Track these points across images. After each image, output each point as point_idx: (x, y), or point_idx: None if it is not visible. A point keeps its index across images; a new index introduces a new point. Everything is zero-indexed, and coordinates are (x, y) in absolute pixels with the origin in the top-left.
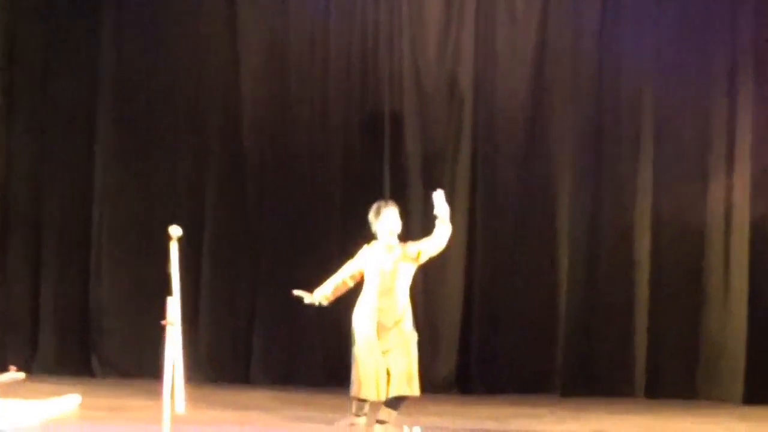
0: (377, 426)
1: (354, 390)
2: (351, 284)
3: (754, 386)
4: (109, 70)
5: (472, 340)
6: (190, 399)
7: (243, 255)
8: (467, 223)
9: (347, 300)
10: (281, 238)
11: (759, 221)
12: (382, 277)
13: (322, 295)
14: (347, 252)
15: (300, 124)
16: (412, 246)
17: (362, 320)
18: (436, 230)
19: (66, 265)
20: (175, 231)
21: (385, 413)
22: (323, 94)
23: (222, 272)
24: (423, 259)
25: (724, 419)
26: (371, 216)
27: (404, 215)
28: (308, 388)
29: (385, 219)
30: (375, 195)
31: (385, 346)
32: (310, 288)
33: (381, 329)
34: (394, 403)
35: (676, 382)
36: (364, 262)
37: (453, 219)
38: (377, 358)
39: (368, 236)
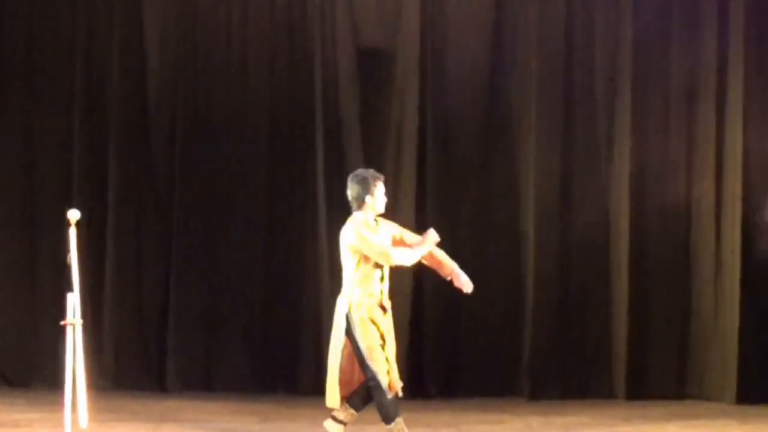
0: (330, 423)
1: (386, 388)
2: None
3: (749, 383)
4: None
5: (423, 336)
6: (95, 411)
7: (153, 240)
8: (415, 202)
9: (275, 290)
10: (197, 220)
11: (753, 190)
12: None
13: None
14: (273, 236)
15: (216, 90)
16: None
17: (366, 310)
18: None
19: None
20: (74, 215)
21: (348, 415)
22: (242, 52)
23: (129, 261)
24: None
25: (717, 422)
26: (358, 187)
27: (340, 201)
28: (234, 394)
29: (381, 191)
30: (307, 173)
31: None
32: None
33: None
34: (361, 404)
35: (661, 381)
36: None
37: (398, 200)
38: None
39: (299, 217)
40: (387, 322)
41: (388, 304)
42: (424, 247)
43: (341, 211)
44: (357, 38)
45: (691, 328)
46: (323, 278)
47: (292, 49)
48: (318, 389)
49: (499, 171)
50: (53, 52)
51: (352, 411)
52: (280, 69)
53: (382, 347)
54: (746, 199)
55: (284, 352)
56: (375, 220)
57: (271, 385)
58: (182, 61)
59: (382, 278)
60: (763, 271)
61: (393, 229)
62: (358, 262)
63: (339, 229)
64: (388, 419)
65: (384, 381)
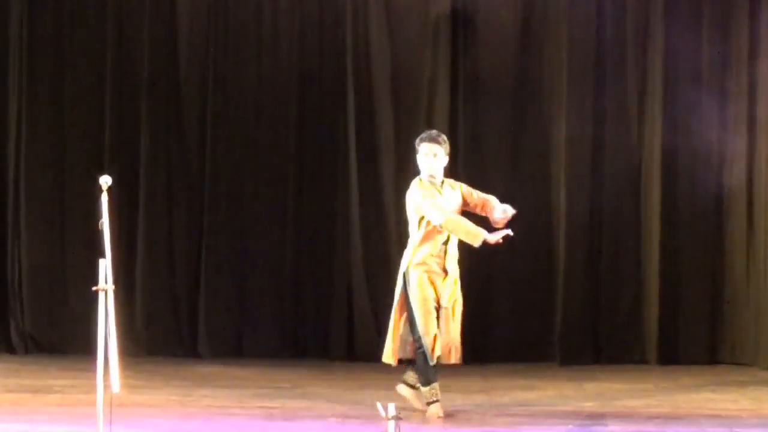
0: (402, 387)
1: (429, 352)
2: None
3: None
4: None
5: None
6: (127, 376)
7: (184, 208)
8: (448, 168)
9: (301, 259)
10: (228, 186)
11: None
12: None
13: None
14: (304, 202)
15: (246, 54)
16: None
17: (426, 270)
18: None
19: None
20: (105, 180)
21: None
22: (272, 16)
23: (160, 229)
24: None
25: (750, 387)
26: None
27: (372, 161)
28: (265, 361)
29: (422, 153)
30: (339, 136)
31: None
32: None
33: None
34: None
35: (693, 347)
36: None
37: None
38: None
39: (330, 181)
40: (447, 286)
41: (452, 267)
42: (488, 234)
43: (373, 172)
44: None
45: (724, 292)
46: (355, 243)
47: (322, 11)
48: (349, 356)
49: (530, 131)
50: (84, 20)
51: None
52: (311, 31)
53: (437, 310)
54: None
55: (316, 319)
56: (441, 182)
57: (302, 351)
58: (213, 27)
59: (447, 240)
60: None
61: (459, 193)
62: (420, 221)
63: (371, 191)
64: (425, 382)
65: (428, 345)
